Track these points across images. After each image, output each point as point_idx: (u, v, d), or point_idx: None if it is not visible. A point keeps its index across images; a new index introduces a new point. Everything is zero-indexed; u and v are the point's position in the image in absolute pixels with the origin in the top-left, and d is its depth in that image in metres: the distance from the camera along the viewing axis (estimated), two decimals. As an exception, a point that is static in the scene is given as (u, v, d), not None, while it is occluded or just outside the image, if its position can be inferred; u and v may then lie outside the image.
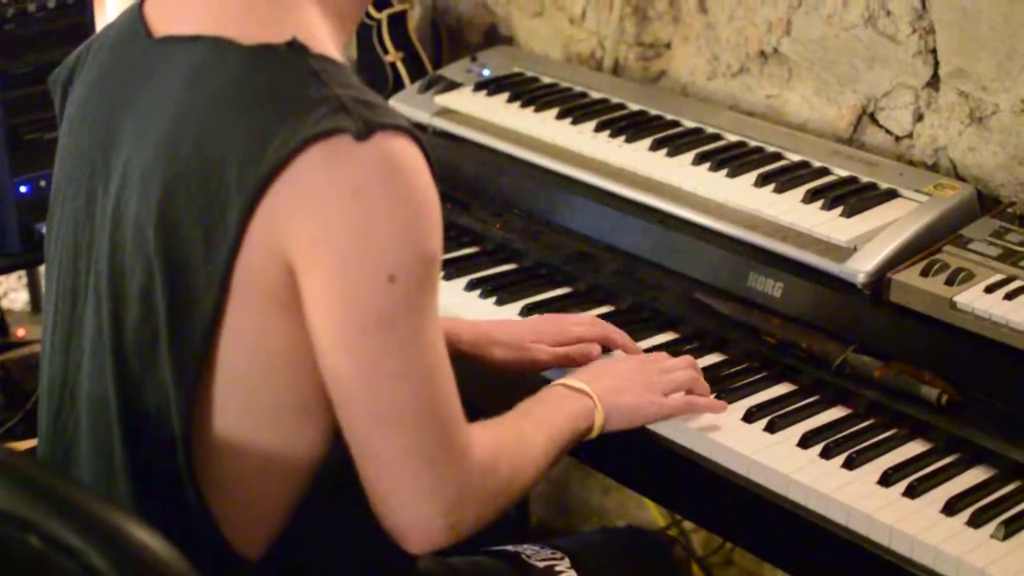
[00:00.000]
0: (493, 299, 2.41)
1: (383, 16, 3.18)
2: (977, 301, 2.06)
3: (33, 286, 3.97)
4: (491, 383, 2.19)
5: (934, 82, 2.52)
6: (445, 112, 2.82)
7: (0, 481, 1.37)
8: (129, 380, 1.67)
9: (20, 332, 3.82)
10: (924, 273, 2.13)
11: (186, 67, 1.64)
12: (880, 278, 2.16)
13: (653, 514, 3.28)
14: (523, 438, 1.84)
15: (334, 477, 1.72)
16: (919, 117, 2.55)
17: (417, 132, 1.60)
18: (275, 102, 1.57)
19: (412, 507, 1.65)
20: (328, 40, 1.67)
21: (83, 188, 1.74)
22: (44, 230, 3.06)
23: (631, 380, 2.05)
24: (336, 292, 1.55)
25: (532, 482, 1.84)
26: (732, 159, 2.49)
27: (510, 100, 2.81)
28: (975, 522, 1.86)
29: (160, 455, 1.66)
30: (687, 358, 2.15)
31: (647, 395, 2.04)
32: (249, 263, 1.57)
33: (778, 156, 2.52)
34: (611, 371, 2.08)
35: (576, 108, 2.74)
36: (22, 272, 3.94)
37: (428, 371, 1.62)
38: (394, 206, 1.55)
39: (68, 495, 1.37)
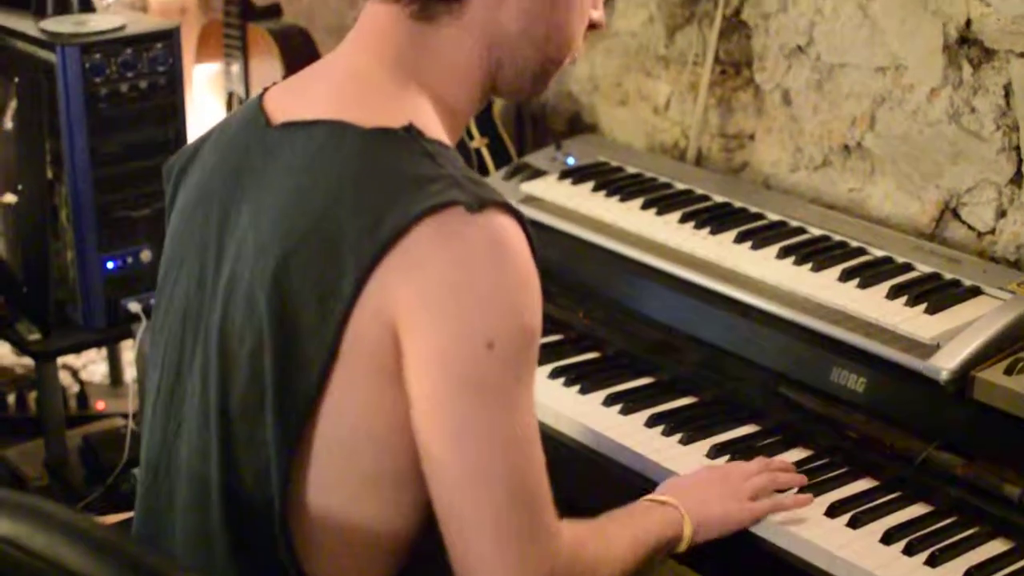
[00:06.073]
0: (577, 387, 2.44)
1: (469, 102, 3.22)
2: (1060, 401, 2.06)
3: (112, 359, 4.02)
4: (572, 473, 2.21)
5: (1017, 179, 2.53)
6: (530, 200, 2.86)
7: (107, 561, 1.40)
8: (231, 447, 1.72)
9: (100, 405, 3.86)
10: (1008, 371, 2.13)
11: (306, 147, 1.71)
12: (963, 376, 2.16)
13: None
14: (608, 537, 1.85)
15: (425, 555, 1.75)
16: (1002, 213, 2.57)
17: (523, 214, 1.66)
18: (393, 177, 1.64)
19: None
20: (439, 130, 1.74)
21: (196, 265, 1.80)
22: (130, 306, 3.15)
23: (715, 490, 2.07)
24: (435, 354, 1.60)
25: None
26: (816, 253, 2.51)
27: (595, 189, 2.84)
28: (1059, 624, 1.86)
29: (258, 518, 1.70)
30: (759, 460, 2.17)
31: (734, 503, 2.05)
32: (359, 331, 1.62)
33: (862, 251, 2.53)
34: (694, 483, 2.10)
35: (661, 199, 2.77)
36: (102, 345, 3.98)
37: (519, 441, 1.64)
38: (498, 278, 1.60)
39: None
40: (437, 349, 1.60)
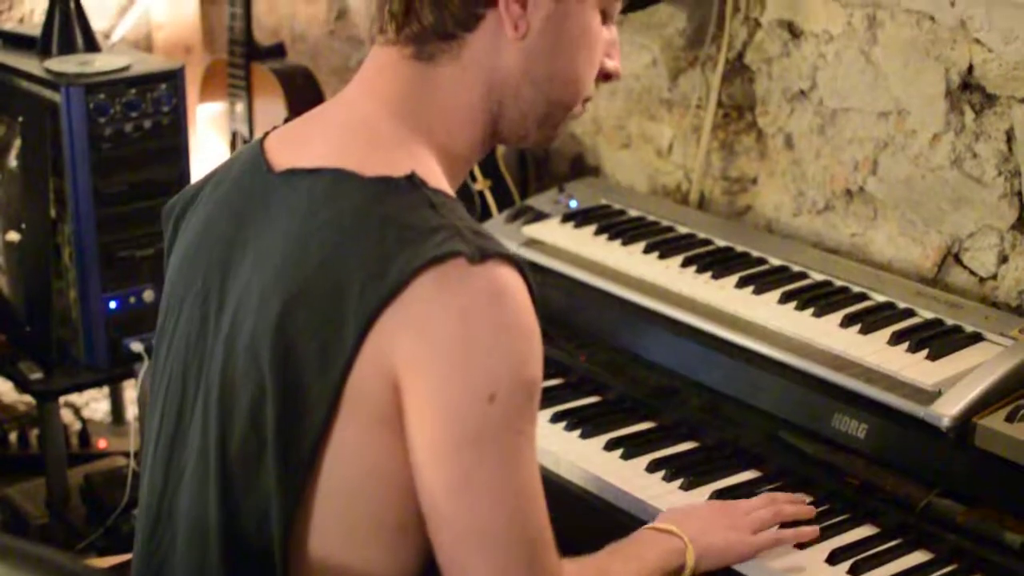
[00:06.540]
0: (578, 432, 2.44)
1: (472, 144, 3.22)
2: (1062, 449, 2.06)
3: (114, 397, 4.01)
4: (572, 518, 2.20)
5: (1019, 224, 2.53)
6: (533, 243, 2.86)
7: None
8: (231, 495, 1.72)
9: (101, 443, 3.85)
10: (1009, 419, 2.13)
11: (309, 196, 1.71)
12: (965, 423, 2.15)
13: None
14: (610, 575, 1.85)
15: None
16: (1004, 259, 2.57)
17: (524, 264, 1.66)
18: (397, 227, 1.64)
19: None
20: (441, 178, 1.74)
21: (196, 311, 1.79)
22: (132, 346, 3.15)
23: (717, 521, 2.06)
24: (436, 407, 1.60)
25: None
26: (818, 298, 2.51)
27: (597, 233, 2.84)
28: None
29: (257, 565, 1.70)
30: (765, 496, 2.17)
31: (735, 534, 2.05)
32: (360, 380, 1.62)
33: (864, 296, 2.53)
34: (697, 513, 2.09)
35: (663, 243, 2.77)
36: (103, 383, 3.97)
37: (521, 492, 1.64)
38: (499, 329, 1.60)
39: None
40: (438, 401, 1.60)
